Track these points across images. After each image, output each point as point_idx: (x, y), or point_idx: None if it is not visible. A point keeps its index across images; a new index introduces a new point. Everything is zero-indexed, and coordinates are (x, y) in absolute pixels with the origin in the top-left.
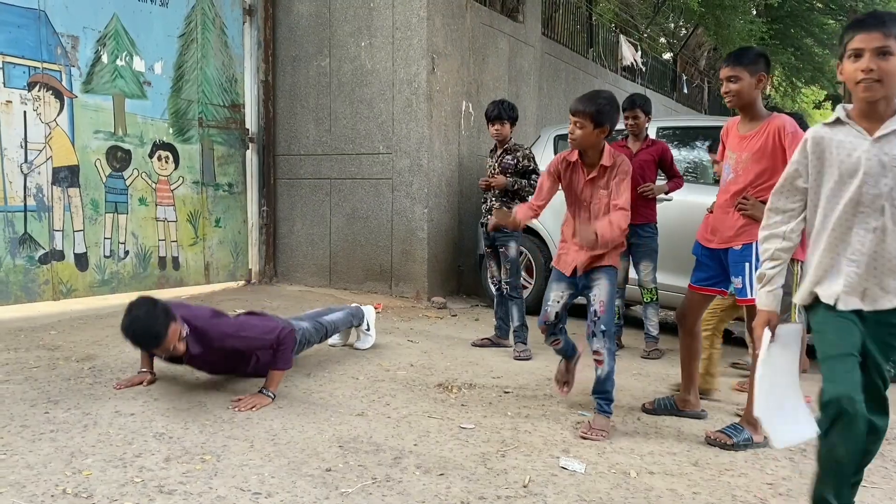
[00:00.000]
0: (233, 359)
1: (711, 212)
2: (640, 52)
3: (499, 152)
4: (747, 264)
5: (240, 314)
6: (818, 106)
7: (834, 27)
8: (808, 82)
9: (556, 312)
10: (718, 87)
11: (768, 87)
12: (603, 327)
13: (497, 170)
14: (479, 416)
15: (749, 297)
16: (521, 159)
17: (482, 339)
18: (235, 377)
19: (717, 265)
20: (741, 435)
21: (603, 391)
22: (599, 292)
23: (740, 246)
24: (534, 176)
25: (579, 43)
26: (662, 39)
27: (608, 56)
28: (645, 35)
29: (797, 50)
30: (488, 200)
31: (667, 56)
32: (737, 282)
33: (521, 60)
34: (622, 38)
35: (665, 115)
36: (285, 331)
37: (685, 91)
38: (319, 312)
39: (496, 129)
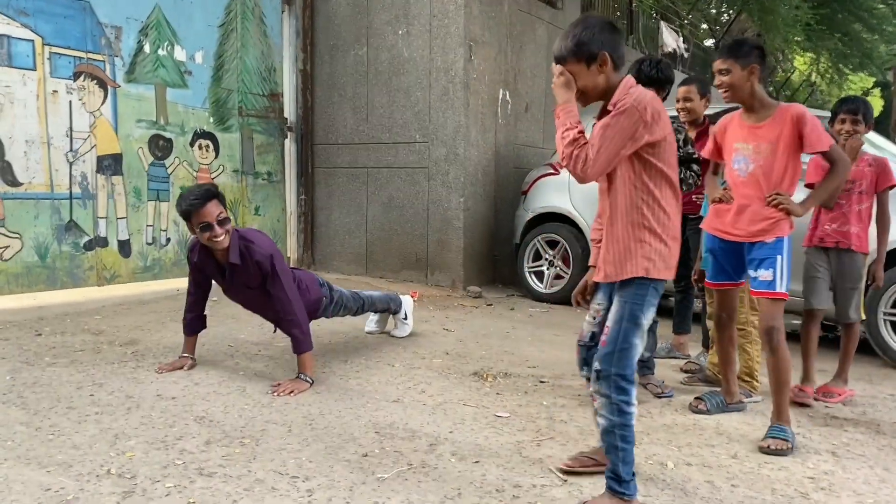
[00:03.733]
0: (261, 295)
1: (722, 201)
2: (681, 39)
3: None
4: (779, 257)
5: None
6: (866, 93)
7: (884, 11)
8: (856, 69)
9: (593, 333)
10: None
11: (809, 75)
12: (597, 365)
13: None
14: (515, 404)
15: (777, 290)
16: (681, 143)
17: None
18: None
19: (735, 258)
20: (789, 433)
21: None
22: (609, 316)
23: (772, 239)
24: (694, 166)
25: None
26: (704, 26)
27: (649, 43)
28: (686, 21)
29: (845, 35)
30: None
31: (709, 43)
32: (766, 274)
33: None
34: (663, 24)
35: None
36: (298, 318)
37: None
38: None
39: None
